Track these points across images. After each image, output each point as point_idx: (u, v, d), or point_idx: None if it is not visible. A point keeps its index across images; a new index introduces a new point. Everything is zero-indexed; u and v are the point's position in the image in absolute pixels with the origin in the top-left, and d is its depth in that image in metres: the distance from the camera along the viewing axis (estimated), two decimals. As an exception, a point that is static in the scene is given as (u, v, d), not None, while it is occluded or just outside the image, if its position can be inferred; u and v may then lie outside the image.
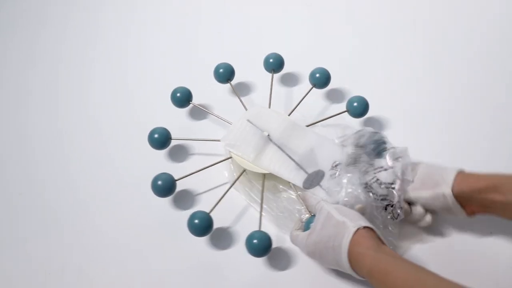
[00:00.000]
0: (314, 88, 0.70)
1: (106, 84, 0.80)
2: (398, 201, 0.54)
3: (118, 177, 0.68)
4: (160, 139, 0.65)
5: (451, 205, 0.51)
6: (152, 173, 0.61)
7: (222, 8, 0.89)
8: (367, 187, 0.54)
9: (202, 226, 0.55)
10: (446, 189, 0.50)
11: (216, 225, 0.58)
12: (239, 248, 0.59)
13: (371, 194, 0.54)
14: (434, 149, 0.68)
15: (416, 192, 0.53)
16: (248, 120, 0.63)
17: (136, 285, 0.58)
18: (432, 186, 0.52)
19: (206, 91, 0.74)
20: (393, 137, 0.63)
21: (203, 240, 0.60)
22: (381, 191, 0.54)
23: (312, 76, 0.70)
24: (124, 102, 0.77)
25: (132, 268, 0.60)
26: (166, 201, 0.64)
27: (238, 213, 0.63)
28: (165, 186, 0.59)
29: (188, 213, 0.58)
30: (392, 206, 0.54)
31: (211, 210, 0.57)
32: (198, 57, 0.82)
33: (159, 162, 0.68)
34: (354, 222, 0.49)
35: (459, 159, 0.66)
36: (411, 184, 0.54)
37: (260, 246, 0.54)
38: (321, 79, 0.69)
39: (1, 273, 0.60)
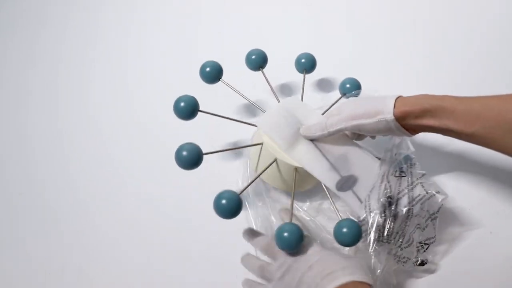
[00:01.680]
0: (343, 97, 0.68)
1: (107, 83, 0.80)
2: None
3: (122, 174, 0.68)
4: (187, 108, 0.59)
5: (394, 128, 0.51)
6: (174, 148, 0.55)
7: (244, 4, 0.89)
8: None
9: (230, 207, 0.49)
10: (388, 115, 0.50)
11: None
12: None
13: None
14: (439, 147, 0.68)
15: (359, 120, 0.52)
16: (286, 109, 0.60)
17: (137, 284, 0.58)
18: (375, 114, 0.51)
19: (236, 76, 0.68)
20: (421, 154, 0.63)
21: (226, 225, 0.54)
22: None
23: (342, 85, 0.69)
24: (132, 99, 0.77)
25: (136, 262, 0.60)
26: (188, 180, 0.61)
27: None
28: (191, 157, 0.52)
29: (211, 194, 0.51)
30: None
31: (241, 192, 0.51)
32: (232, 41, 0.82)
33: (182, 136, 0.62)
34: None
35: (462, 155, 0.66)
36: (353, 111, 0.53)
37: (291, 239, 0.49)
38: (351, 89, 0.68)
39: (1, 273, 0.60)
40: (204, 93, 0.64)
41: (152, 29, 0.88)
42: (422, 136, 0.68)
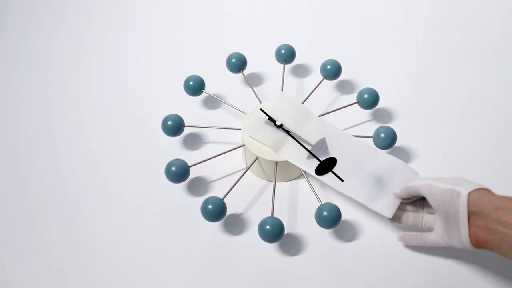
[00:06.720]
0: (325, 80, 0.71)
1: (113, 77, 0.80)
2: None
3: (126, 170, 0.67)
4: (174, 126, 0.65)
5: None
6: (165, 161, 0.61)
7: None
8: None
9: (215, 211, 0.56)
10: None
11: (229, 211, 0.59)
12: (252, 233, 0.59)
13: None
14: (443, 141, 0.68)
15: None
16: (261, 109, 0.64)
17: (137, 283, 0.57)
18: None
19: (219, 80, 0.75)
20: (402, 129, 0.65)
21: (216, 227, 0.60)
22: None
23: (323, 67, 0.72)
24: (134, 94, 0.77)
25: (141, 258, 0.59)
26: (179, 188, 0.64)
27: (251, 199, 0.63)
28: (178, 172, 0.60)
29: (201, 199, 0.58)
30: None
31: (225, 196, 0.58)
32: (210, 47, 0.83)
33: (172, 150, 0.68)
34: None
35: (466, 150, 0.67)
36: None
37: (273, 232, 0.55)
38: (332, 70, 0.71)
39: (1, 273, 0.58)
40: (189, 104, 0.73)
41: (163, 19, 0.88)
42: (429, 135, 0.69)
